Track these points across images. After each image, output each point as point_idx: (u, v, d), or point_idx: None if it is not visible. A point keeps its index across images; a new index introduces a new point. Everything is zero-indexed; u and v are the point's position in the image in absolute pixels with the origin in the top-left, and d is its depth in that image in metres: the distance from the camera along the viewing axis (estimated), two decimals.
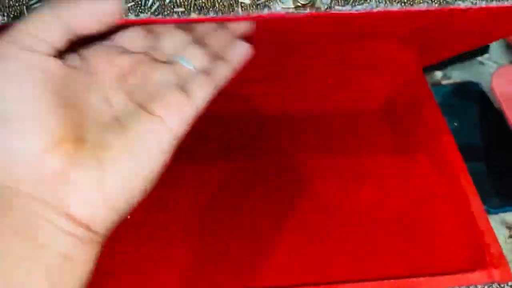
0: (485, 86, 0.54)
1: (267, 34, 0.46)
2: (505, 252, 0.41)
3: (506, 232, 0.43)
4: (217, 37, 0.24)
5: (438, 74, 0.56)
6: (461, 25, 0.38)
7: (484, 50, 0.58)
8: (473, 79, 0.55)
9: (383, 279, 0.34)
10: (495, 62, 0.57)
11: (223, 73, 0.23)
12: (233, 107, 0.51)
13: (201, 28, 0.24)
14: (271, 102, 0.50)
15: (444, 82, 0.55)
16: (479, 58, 0.58)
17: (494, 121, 0.50)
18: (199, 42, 0.23)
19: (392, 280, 0.34)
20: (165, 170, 0.22)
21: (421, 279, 0.35)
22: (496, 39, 0.38)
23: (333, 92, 0.50)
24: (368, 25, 0.45)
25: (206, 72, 0.22)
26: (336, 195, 0.45)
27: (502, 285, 0.35)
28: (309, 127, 0.50)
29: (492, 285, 0.35)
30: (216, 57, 0.23)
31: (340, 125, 0.50)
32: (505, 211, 0.44)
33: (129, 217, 0.20)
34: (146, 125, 0.19)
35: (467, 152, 0.45)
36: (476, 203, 0.39)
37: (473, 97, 0.53)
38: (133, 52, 0.21)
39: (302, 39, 0.47)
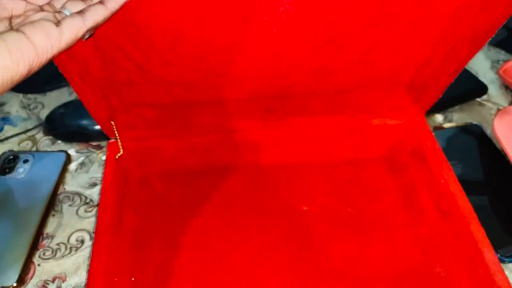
0: (485, 127, 0.54)
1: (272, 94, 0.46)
2: None
3: None
4: None
5: (439, 117, 0.56)
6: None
7: (482, 91, 0.58)
8: (474, 120, 0.55)
9: None
10: (494, 103, 0.58)
11: (94, 14, 0.29)
12: (238, 157, 0.50)
13: None
14: (275, 151, 0.50)
15: (445, 125, 0.55)
16: (478, 99, 0.58)
17: (498, 164, 0.50)
18: None
19: None
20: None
21: None
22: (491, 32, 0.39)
23: (338, 140, 0.50)
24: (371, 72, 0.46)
25: (80, 13, 0.28)
26: (342, 246, 0.44)
27: None
28: (312, 177, 0.49)
29: None
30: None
31: (344, 174, 0.49)
32: None
33: None
34: (12, 36, 0.25)
35: (475, 198, 0.45)
36: (489, 254, 0.38)
37: (476, 139, 0.53)
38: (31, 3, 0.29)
39: (307, 91, 0.47)
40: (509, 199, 0.47)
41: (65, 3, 0.29)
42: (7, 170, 0.51)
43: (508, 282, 0.37)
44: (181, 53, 0.40)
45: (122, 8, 0.32)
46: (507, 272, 0.42)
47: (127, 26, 0.36)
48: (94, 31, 0.30)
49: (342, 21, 0.38)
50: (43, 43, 0.26)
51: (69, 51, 0.35)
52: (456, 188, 0.43)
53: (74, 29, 0.27)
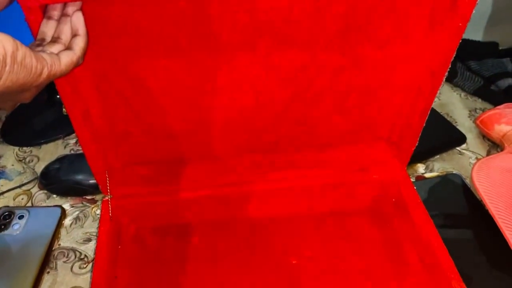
0: (465, 175, 0.56)
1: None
2: None
3: None
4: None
5: (421, 167, 0.59)
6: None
7: (461, 140, 0.61)
8: (454, 169, 0.58)
9: None
10: (472, 151, 0.60)
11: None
12: (229, 211, 0.52)
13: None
14: (264, 205, 0.52)
15: (427, 175, 0.57)
16: (458, 149, 0.61)
17: (478, 213, 0.52)
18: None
19: None
20: None
21: None
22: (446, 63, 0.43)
23: (324, 193, 0.52)
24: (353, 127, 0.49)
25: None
26: None
27: None
28: (301, 229, 0.51)
29: None
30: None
31: (331, 226, 0.51)
32: None
33: None
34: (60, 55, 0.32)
35: (455, 248, 0.47)
36: None
37: (455, 189, 0.55)
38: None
39: (292, 147, 0.50)
40: (488, 248, 0.49)
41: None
42: (3, 227, 0.52)
43: None
44: (174, 99, 0.43)
45: (122, 54, 0.37)
46: None
47: (127, 71, 0.40)
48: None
49: (314, 63, 0.41)
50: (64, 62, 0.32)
51: (75, 91, 0.39)
52: (437, 242, 0.45)
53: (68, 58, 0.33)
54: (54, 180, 0.56)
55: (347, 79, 0.44)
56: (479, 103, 0.68)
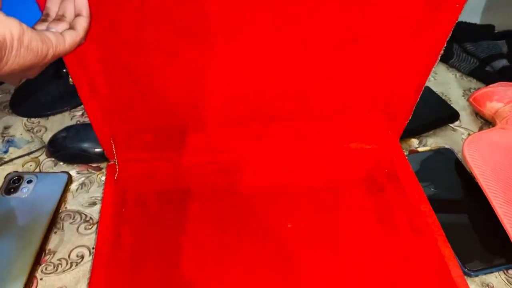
0: (457, 151, 0.58)
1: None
2: None
3: None
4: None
5: (415, 141, 0.61)
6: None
7: (455, 117, 0.63)
8: (446, 144, 0.60)
9: None
10: (465, 128, 0.62)
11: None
12: (229, 180, 0.54)
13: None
14: (263, 174, 0.54)
15: (420, 149, 0.59)
16: (451, 125, 0.63)
17: (467, 185, 0.54)
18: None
19: None
20: None
21: None
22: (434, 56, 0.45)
23: (320, 163, 0.54)
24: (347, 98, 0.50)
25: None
26: (323, 261, 0.47)
27: None
28: (297, 197, 0.53)
29: None
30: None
31: (326, 195, 0.53)
32: (485, 273, 0.47)
33: None
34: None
35: (444, 217, 0.49)
36: (455, 269, 0.42)
37: (447, 162, 0.57)
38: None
39: (291, 118, 0.52)
40: (477, 219, 0.51)
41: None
42: (12, 190, 0.54)
43: (468, 286, 0.40)
44: (176, 70, 0.45)
45: (126, 26, 0.39)
46: (473, 286, 0.46)
47: (130, 42, 0.42)
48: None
49: (312, 38, 0.43)
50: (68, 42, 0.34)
51: (80, 63, 0.41)
52: (426, 207, 0.47)
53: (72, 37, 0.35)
54: (61, 147, 0.58)
55: (344, 54, 0.46)
56: (473, 83, 0.70)
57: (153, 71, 0.45)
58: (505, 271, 0.47)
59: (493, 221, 0.49)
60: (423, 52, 0.45)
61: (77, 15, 0.35)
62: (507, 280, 0.47)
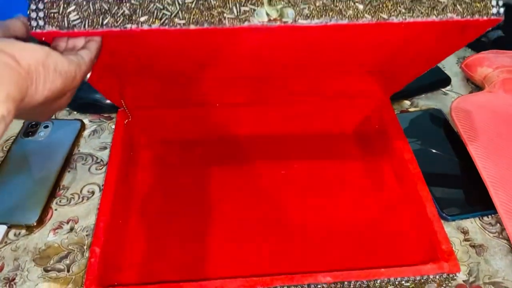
0: (446, 112, 0.62)
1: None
2: (460, 254, 0.48)
3: (461, 237, 0.49)
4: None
5: (407, 102, 0.64)
6: (413, 50, 0.46)
7: (446, 82, 0.66)
8: (437, 107, 0.63)
9: (351, 269, 0.41)
10: (456, 93, 0.66)
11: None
12: (229, 128, 0.59)
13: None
14: (261, 125, 0.58)
15: (411, 109, 0.63)
16: (443, 90, 0.66)
17: (453, 142, 0.58)
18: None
19: (359, 270, 0.41)
20: None
21: (383, 269, 0.41)
22: (444, 57, 0.46)
23: (314, 117, 0.58)
24: (339, 56, 0.53)
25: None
26: (312, 204, 0.52)
27: (450, 275, 0.41)
28: (291, 147, 0.57)
29: (442, 275, 0.41)
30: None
31: (318, 146, 0.57)
32: (462, 219, 0.51)
33: None
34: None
35: (429, 169, 0.53)
36: (431, 208, 0.46)
37: (435, 121, 0.60)
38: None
39: (284, 74, 0.56)
40: (458, 171, 0.55)
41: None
42: (30, 133, 0.59)
43: (444, 230, 0.44)
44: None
45: None
46: (449, 229, 0.50)
47: None
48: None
49: None
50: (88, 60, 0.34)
51: None
52: (409, 156, 0.50)
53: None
54: (75, 97, 0.62)
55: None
56: (468, 52, 0.72)
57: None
58: (480, 218, 0.51)
59: (473, 174, 0.52)
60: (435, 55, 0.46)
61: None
62: (481, 225, 0.50)
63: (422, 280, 0.41)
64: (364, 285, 0.41)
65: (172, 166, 0.56)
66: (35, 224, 0.50)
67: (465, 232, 0.50)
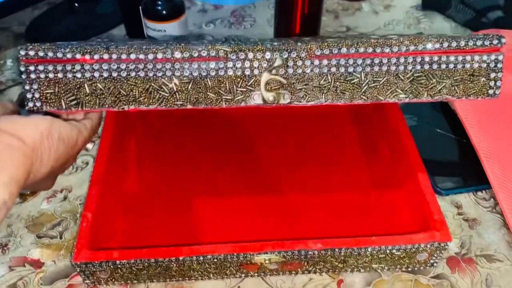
0: None
1: None
2: (453, 227, 0.48)
3: (455, 211, 0.49)
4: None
5: None
6: None
7: None
8: None
9: (342, 237, 0.41)
10: None
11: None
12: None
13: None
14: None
15: None
16: None
17: (450, 119, 0.58)
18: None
19: (350, 238, 0.41)
20: None
21: (374, 238, 0.41)
22: None
23: None
24: None
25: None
26: (307, 174, 0.52)
27: (441, 244, 0.41)
28: (284, 122, 0.57)
29: (433, 244, 0.41)
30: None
31: (316, 122, 0.57)
32: (455, 193, 0.51)
33: None
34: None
35: (425, 144, 0.52)
36: (424, 180, 0.45)
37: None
38: None
39: None
40: (454, 147, 0.55)
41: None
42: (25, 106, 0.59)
43: (436, 202, 0.44)
44: None
45: None
46: (443, 203, 0.50)
47: None
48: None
49: None
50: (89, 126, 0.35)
51: None
52: (404, 130, 0.50)
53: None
54: None
55: None
56: (467, 33, 0.72)
57: None
58: (474, 192, 0.51)
59: (469, 150, 0.52)
60: None
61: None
62: (475, 200, 0.50)
63: (413, 249, 0.41)
64: (355, 253, 0.41)
65: (166, 136, 0.56)
66: (28, 193, 0.50)
67: (458, 206, 0.50)
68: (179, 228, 0.47)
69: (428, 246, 0.41)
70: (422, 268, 0.44)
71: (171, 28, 0.61)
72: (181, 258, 0.40)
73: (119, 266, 0.40)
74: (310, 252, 0.40)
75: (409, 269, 0.44)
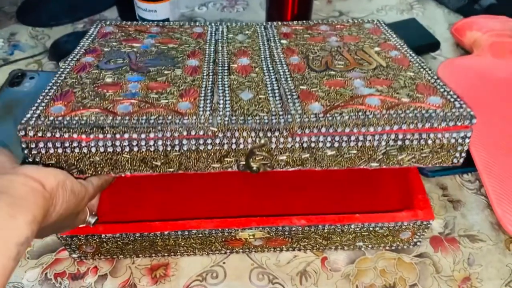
0: None
1: None
2: (438, 208, 0.48)
3: (440, 192, 0.50)
4: None
5: None
6: None
7: (435, 46, 0.66)
8: None
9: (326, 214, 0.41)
10: (444, 57, 0.65)
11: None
12: None
13: None
14: None
15: None
16: (432, 54, 0.66)
17: None
18: None
19: (334, 215, 0.41)
20: None
21: (358, 215, 0.41)
22: None
23: None
24: None
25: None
26: None
27: (424, 223, 0.42)
28: None
29: (416, 223, 0.41)
30: None
31: None
32: (442, 175, 0.51)
33: None
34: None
35: None
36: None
37: None
38: None
39: None
40: None
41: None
42: (15, 84, 0.59)
43: (420, 181, 0.44)
44: None
45: None
46: (428, 185, 0.50)
47: None
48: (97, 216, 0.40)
49: None
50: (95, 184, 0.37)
51: None
52: None
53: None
54: (62, 50, 0.62)
55: None
56: (460, 19, 0.72)
57: None
58: (460, 175, 0.51)
59: None
60: None
61: None
62: (460, 182, 0.51)
63: (397, 227, 0.42)
64: (338, 230, 0.42)
65: None
66: None
67: (444, 188, 0.50)
68: (165, 204, 0.47)
69: (411, 224, 0.42)
70: (405, 247, 0.45)
71: (162, 8, 0.61)
72: (166, 232, 0.40)
73: (105, 240, 0.41)
74: (294, 228, 0.41)
75: (393, 248, 0.45)
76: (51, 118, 0.35)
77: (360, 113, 0.36)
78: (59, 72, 0.42)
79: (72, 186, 0.33)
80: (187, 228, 0.40)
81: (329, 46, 0.47)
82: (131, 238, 0.41)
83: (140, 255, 0.44)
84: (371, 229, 0.42)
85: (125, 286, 0.42)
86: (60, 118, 0.35)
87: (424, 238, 0.45)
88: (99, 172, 0.37)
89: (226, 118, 0.35)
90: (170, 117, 0.35)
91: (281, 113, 0.36)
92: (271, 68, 0.43)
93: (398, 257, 0.44)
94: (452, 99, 0.39)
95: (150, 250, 0.43)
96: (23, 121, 0.35)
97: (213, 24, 0.53)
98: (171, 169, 0.37)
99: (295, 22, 0.53)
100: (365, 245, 0.44)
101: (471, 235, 0.46)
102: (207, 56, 0.45)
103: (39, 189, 0.30)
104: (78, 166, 0.36)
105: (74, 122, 0.34)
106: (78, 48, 0.46)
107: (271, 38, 0.49)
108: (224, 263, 0.44)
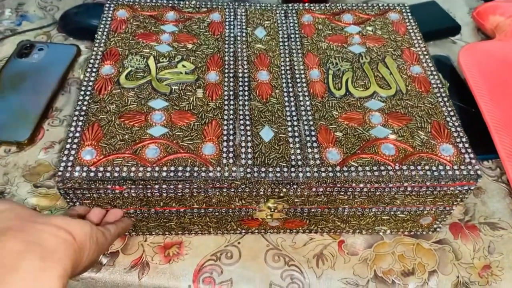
0: (454, 60, 0.60)
1: None
2: None
3: None
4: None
5: None
6: None
7: (456, 30, 0.64)
8: (446, 54, 0.61)
9: None
10: (465, 42, 0.63)
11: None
12: None
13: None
14: None
15: None
16: (452, 38, 0.64)
17: (459, 88, 0.56)
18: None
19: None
20: None
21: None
22: None
23: None
24: None
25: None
26: None
27: (447, 209, 0.40)
28: None
29: (438, 208, 0.40)
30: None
31: None
32: None
33: None
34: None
35: None
36: None
37: (443, 68, 0.59)
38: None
39: None
40: (460, 117, 0.53)
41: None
42: (24, 55, 0.57)
43: None
44: None
45: None
46: None
47: None
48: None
49: None
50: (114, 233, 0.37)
51: None
52: None
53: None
54: (72, 22, 0.60)
55: None
56: (481, 3, 0.70)
57: None
58: (481, 162, 0.50)
59: (477, 119, 0.51)
60: None
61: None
62: (481, 169, 0.50)
63: (418, 212, 0.41)
64: (358, 213, 0.40)
65: None
66: (26, 142, 0.49)
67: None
68: None
69: (433, 209, 0.41)
70: (424, 232, 0.44)
71: None
72: (182, 210, 0.39)
73: None
74: (313, 210, 0.40)
75: (412, 233, 0.44)
76: (85, 168, 0.36)
77: (374, 168, 0.37)
78: (82, 93, 0.42)
79: (97, 236, 0.33)
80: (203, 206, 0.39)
81: (351, 54, 0.46)
82: (145, 214, 0.40)
83: (153, 233, 0.42)
84: (392, 213, 0.41)
85: (137, 263, 0.41)
86: (93, 169, 0.36)
87: (443, 225, 0.44)
88: (131, 206, 0.39)
89: (248, 170, 0.37)
90: (196, 168, 0.36)
91: (300, 163, 0.37)
92: (291, 90, 0.43)
93: (417, 242, 0.43)
94: (463, 150, 0.40)
95: (164, 228, 0.42)
96: (59, 173, 0.36)
97: (230, 6, 0.51)
98: (196, 206, 0.39)
99: (316, 7, 0.51)
100: (383, 230, 0.43)
101: (491, 223, 0.45)
102: (226, 66, 0.44)
103: (70, 241, 0.30)
104: (112, 204, 0.38)
105: (108, 175, 0.36)
106: (95, 48, 0.46)
107: (291, 36, 0.48)
108: (239, 243, 0.43)
